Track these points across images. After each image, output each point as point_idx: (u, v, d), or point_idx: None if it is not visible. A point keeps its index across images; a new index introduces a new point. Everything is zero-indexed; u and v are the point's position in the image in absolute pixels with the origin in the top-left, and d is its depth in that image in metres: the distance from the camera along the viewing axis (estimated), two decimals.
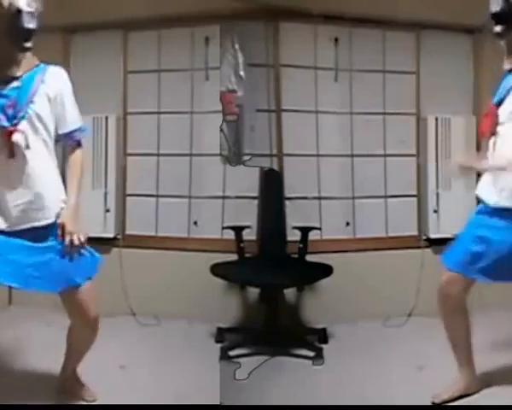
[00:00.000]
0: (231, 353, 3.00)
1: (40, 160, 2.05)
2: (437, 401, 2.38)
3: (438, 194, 3.66)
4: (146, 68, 3.79)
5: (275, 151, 3.65)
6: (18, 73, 2.04)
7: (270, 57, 3.63)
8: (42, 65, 2.20)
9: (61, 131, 2.15)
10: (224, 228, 3.58)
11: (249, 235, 3.45)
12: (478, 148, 3.70)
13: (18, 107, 1.99)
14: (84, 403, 2.37)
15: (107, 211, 3.71)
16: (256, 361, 2.88)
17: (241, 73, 3.54)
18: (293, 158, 3.66)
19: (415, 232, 3.79)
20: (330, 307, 3.48)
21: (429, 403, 2.39)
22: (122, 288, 3.60)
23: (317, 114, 3.70)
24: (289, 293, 3.55)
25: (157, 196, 3.79)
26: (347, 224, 3.73)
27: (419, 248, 3.69)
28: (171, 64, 3.75)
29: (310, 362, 2.93)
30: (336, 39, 3.69)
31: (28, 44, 2.05)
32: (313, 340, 3.22)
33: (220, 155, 3.59)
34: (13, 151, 1.97)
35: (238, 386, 2.65)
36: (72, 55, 3.85)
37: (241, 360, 2.92)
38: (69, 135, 2.18)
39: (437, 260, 3.67)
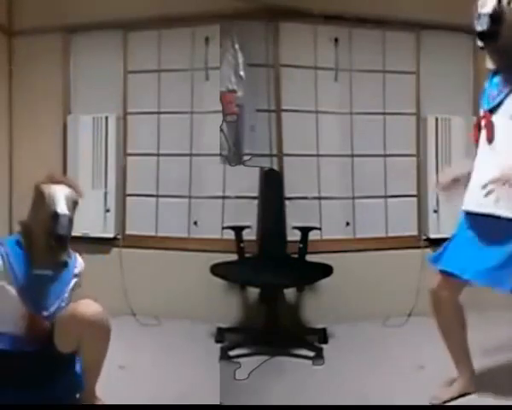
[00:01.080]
0: (231, 353, 2.99)
1: None
2: (436, 402, 2.37)
3: (438, 194, 3.66)
4: (146, 68, 3.79)
5: (275, 151, 3.65)
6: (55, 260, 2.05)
7: (270, 57, 3.63)
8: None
9: None
10: (224, 228, 3.58)
11: (249, 235, 3.45)
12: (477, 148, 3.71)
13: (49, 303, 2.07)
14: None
15: (107, 211, 3.71)
16: (256, 361, 2.88)
17: (241, 73, 3.54)
18: (293, 158, 3.66)
19: (415, 232, 3.79)
20: (330, 307, 3.48)
21: (429, 403, 2.39)
22: (122, 288, 3.60)
23: (317, 114, 3.70)
24: (289, 293, 3.55)
25: (157, 196, 3.79)
26: (347, 224, 3.73)
27: (419, 248, 3.69)
28: (171, 64, 3.75)
29: (310, 362, 2.93)
30: (336, 39, 3.69)
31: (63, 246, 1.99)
32: (313, 340, 3.21)
33: (220, 155, 3.59)
34: None
35: (238, 386, 2.65)
36: (72, 55, 3.85)
37: (241, 360, 2.92)
38: None
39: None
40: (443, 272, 2.29)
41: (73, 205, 2.02)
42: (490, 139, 2.18)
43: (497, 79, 2.21)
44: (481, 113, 2.27)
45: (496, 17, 2.06)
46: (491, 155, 2.19)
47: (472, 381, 2.42)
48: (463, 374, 2.42)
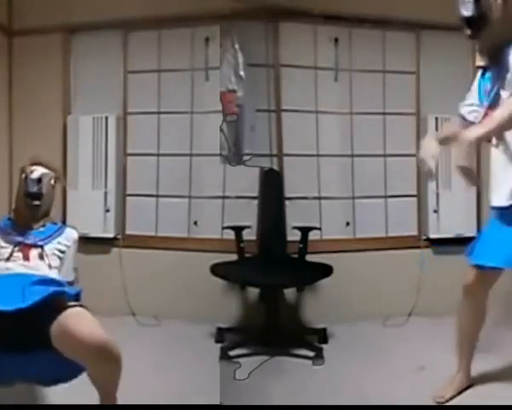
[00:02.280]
0: (231, 353, 2.99)
1: None
2: (441, 401, 2.39)
3: (438, 194, 3.66)
4: (146, 68, 3.80)
5: (275, 151, 3.65)
6: (35, 226, 2.33)
7: (270, 57, 3.63)
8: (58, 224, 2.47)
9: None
10: (223, 228, 3.58)
11: (249, 235, 3.45)
12: (477, 148, 3.71)
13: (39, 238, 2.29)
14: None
15: (107, 211, 3.71)
16: (256, 361, 2.88)
17: (241, 73, 3.54)
18: (293, 158, 3.66)
19: (415, 232, 3.79)
20: (330, 307, 3.48)
21: (429, 403, 2.39)
22: (122, 288, 3.60)
23: (317, 114, 3.70)
24: (289, 293, 3.55)
25: (157, 196, 3.80)
26: (347, 224, 3.73)
27: (419, 248, 3.69)
28: (171, 64, 3.76)
29: (310, 362, 2.93)
30: (336, 39, 3.69)
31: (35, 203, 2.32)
32: (313, 340, 3.21)
33: (220, 155, 3.59)
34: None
35: (238, 386, 2.65)
36: (72, 55, 3.85)
37: (241, 360, 2.92)
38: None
39: (437, 260, 3.71)
40: (476, 266, 2.30)
41: (49, 179, 2.37)
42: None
43: (489, 74, 2.21)
44: (478, 108, 2.26)
45: (480, 1, 2.04)
46: (502, 149, 2.19)
47: (469, 374, 2.48)
48: (463, 368, 2.46)
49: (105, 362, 1.77)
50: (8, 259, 2.17)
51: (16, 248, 2.19)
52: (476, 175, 2.20)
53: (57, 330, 1.80)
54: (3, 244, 2.21)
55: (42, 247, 2.25)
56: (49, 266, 2.22)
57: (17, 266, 2.15)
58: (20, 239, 2.23)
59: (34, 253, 2.21)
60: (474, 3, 2.04)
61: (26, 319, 1.82)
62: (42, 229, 2.33)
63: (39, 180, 2.32)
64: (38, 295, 1.79)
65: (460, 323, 2.44)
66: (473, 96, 2.32)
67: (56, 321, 1.81)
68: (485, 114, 2.21)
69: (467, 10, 2.07)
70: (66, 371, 1.95)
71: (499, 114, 1.97)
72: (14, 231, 2.27)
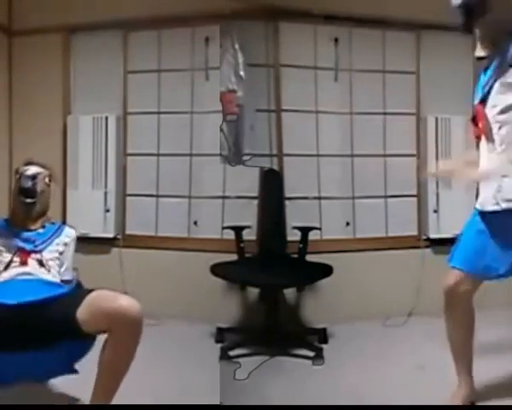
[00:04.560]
0: (231, 353, 2.99)
1: None
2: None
3: (438, 194, 3.67)
4: (146, 68, 3.80)
5: (275, 151, 3.65)
6: (32, 227, 2.32)
7: (270, 57, 3.63)
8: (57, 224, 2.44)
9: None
10: (223, 228, 3.58)
11: (249, 235, 3.45)
12: (478, 147, 3.70)
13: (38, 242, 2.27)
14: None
15: (107, 211, 3.71)
16: (256, 361, 2.87)
17: (241, 73, 3.54)
18: (293, 158, 3.66)
19: (415, 232, 3.79)
20: (330, 307, 3.48)
21: (429, 403, 2.38)
22: (122, 288, 3.59)
23: (317, 114, 3.70)
24: (289, 293, 3.55)
25: (157, 196, 3.80)
26: (347, 224, 3.73)
27: (419, 248, 3.69)
28: (171, 64, 3.76)
29: (310, 362, 2.93)
30: (336, 39, 3.69)
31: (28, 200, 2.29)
32: (313, 340, 3.21)
33: (220, 155, 3.59)
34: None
35: (238, 386, 2.65)
36: (72, 55, 3.85)
37: (241, 360, 2.92)
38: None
39: (437, 260, 3.71)
40: (458, 269, 2.23)
41: (43, 177, 2.37)
42: (485, 132, 2.12)
43: (490, 70, 2.11)
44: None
45: None
46: (489, 148, 2.13)
47: (472, 389, 2.34)
48: (464, 382, 2.33)
49: (130, 329, 1.89)
50: (6, 267, 2.14)
51: (15, 255, 2.17)
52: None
53: (86, 311, 1.91)
54: (3, 250, 2.19)
55: (40, 252, 2.23)
56: (48, 272, 2.20)
57: (15, 273, 2.13)
58: (18, 245, 2.20)
59: (33, 260, 2.19)
60: None
61: (46, 312, 1.92)
62: (41, 230, 2.30)
63: (33, 177, 2.31)
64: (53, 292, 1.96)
65: (449, 332, 2.32)
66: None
67: (82, 305, 1.92)
68: (477, 111, 2.16)
69: None
70: (62, 367, 2.09)
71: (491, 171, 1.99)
72: (11, 233, 2.24)
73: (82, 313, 1.91)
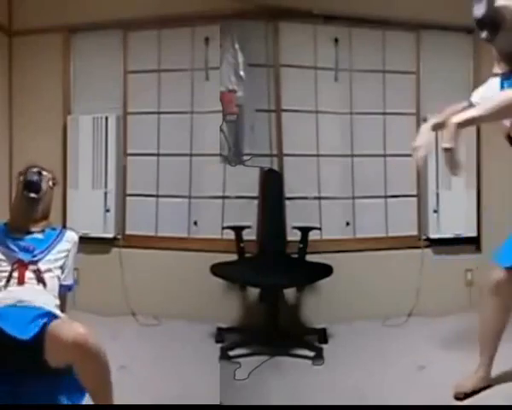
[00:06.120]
0: (231, 353, 2.99)
1: None
2: (460, 390, 2.40)
3: (438, 194, 3.66)
4: (146, 68, 3.79)
5: (275, 151, 3.65)
6: (33, 229, 2.27)
7: (270, 57, 3.63)
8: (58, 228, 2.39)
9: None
10: (223, 228, 3.58)
11: (249, 235, 3.45)
12: (478, 147, 3.71)
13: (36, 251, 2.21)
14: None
15: (107, 211, 3.71)
16: (256, 361, 2.88)
17: (241, 73, 3.54)
18: (293, 158, 3.66)
19: (415, 232, 3.79)
20: (330, 307, 3.48)
21: (429, 403, 2.38)
22: (122, 288, 3.60)
23: (317, 114, 3.70)
24: (289, 293, 3.55)
25: (157, 196, 3.80)
26: (347, 224, 3.73)
27: (419, 248, 3.69)
28: (171, 64, 3.75)
29: (310, 362, 2.93)
30: (336, 39, 3.69)
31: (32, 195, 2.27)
32: (313, 340, 3.21)
33: (220, 155, 3.59)
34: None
35: (238, 386, 2.65)
36: (72, 55, 3.85)
37: (241, 360, 2.92)
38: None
39: (437, 260, 3.71)
40: (505, 267, 2.32)
41: (48, 178, 2.33)
42: None
43: (507, 84, 2.11)
44: None
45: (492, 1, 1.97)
46: None
47: (489, 373, 2.46)
48: (483, 366, 2.45)
49: (88, 359, 1.86)
50: (6, 284, 2.11)
51: (14, 271, 2.13)
52: (459, 162, 2.17)
53: (46, 344, 1.89)
54: (2, 261, 2.15)
55: (38, 263, 2.18)
56: (44, 286, 2.16)
57: (11, 292, 2.09)
58: (17, 256, 2.15)
59: (30, 273, 2.14)
60: (487, 4, 1.98)
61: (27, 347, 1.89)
62: (40, 236, 2.26)
63: (39, 173, 2.30)
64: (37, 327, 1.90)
65: (483, 322, 2.43)
66: (484, 92, 2.29)
67: (46, 337, 1.90)
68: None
69: (478, 11, 2.01)
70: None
71: (490, 102, 1.92)
72: (10, 239, 2.20)
73: (46, 348, 1.89)
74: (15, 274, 2.13)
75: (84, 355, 1.85)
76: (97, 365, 1.89)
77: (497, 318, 2.41)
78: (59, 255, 2.26)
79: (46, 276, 2.18)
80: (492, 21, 1.99)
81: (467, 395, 2.40)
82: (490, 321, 2.42)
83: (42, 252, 2.21)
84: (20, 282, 2.12)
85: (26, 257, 2.17)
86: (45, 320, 1.93)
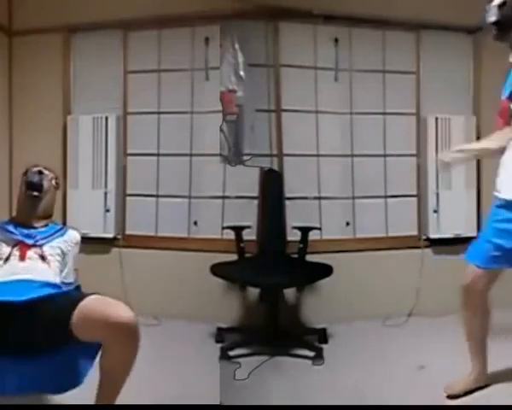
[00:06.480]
0: (231, 353, 3.00)
1: None
2: (449, 391, 2.40)
3: (438, 194, 3.66)
4: (146, 68, 3.79)
5: (275, 151, 3.65)
6: (36, 225, 2.32)
7: (270, 57, 3.63)
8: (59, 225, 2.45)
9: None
10: (223, 228, 3.58)
11: (249, 235, 3.45)
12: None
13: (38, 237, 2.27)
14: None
15: (107, 211, 3.71)
16: (256, 361, 2.88)
17: (241, 73, 3.54)
18: (293, 158, 3.66)
19: (415, 232, 3.79)
20: (330, 307, 3.48)
21: (429, 403, 2.39)
22: (122, 288, 3.60)
23: (317, 114, 3.70)
24: (289, 293, 3.55)
25: (157, 196, 3.80)
26: (347, 224, 3.73)
27: (419, 248, 3.69)
28: (171, 64, 3.75)
29: (310, 362, 2.93)
30: (336, 39, 3.69)
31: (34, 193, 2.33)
32: (313, 340, 3.22)
33: (220, 155, 3.59)
34: None
35: (238, 386, 2.65)
36: (72, 55, 3.85)
37: (241, 360, 2.92)
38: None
39: (437, 260, 3.71)
40: (476, 265, 2.30)
41: (50, 177, 2.41)
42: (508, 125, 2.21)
43: None
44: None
45: (503, 4, 2.11)
46: None
47: (483, 374, 2.45)
48: (476, 367, 2.44)
49: (127, 340, 1.82)
50: (6, 260, 2.14)
51: (15, 248, 2.17)
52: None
53: (80, 316, 1.86)
54: (3, 244, 2.19)
55: (41, 247, 2.22)
56: (49, 266, 2.19)
57: (11, 266, 2.12)
58: (19, 238, 2.21)
59: (32, 253, 2.18)
60: (498, 8, 2.11)
61: (40, 315, 1.90)
62: (43, 229, 2.30)
63: (40, 172, 2.36)
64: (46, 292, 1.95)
65: (465, 325, 2.41)
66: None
67: (77, 310, 1.87)
68: (503, 106, 2.23)
69: (491, 16, 2.14)
70: (68, 377, 1.99)
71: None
72: (15, 230, 2.25)
73: (75, 318, 1.86)
74: (16, 252, 2.16)
75: (128, 338, 1.81)
76: (134, 350, 1.85)
77: (477, 322, 2.38)
78: (60, 245, 2.29)
79: (50, 258, 2.22)
80: (504, 23, 2.13)
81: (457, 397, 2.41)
82: (471, 325, 2.40)
83: (44, 238, 2.25)
84: (22, 258, 2.16)
85: (28, 241, 2.22)
86: (49, 290, 1.98)
